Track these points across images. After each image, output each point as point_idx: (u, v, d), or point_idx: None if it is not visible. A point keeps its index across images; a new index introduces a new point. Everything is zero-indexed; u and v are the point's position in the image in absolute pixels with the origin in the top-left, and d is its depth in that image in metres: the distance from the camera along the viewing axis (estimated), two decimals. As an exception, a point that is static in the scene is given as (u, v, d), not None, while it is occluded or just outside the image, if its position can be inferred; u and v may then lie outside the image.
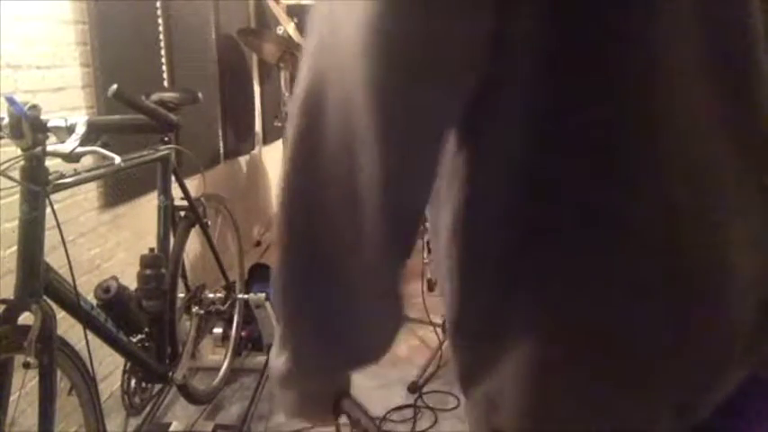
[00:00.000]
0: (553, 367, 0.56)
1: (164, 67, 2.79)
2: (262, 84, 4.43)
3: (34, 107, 1.31)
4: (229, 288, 2.33)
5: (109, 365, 2.17)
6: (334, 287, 0.56)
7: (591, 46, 0.52)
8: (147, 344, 1.77)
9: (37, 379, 1.31)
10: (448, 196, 0.56)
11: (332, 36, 0.48)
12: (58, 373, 1.35)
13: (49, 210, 1.33)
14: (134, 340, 1.71)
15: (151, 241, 1.93)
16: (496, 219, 0.54)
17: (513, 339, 0.56)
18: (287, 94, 4.06)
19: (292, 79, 4.38)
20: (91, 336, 1.50)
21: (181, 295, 2.02)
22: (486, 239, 0.55)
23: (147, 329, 1.77)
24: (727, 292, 0.59)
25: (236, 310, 2.45)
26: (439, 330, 2.65)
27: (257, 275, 3.28)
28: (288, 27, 3.75)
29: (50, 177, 1.35)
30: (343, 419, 0.75)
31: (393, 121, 0.47)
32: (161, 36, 2.77)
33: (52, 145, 1.35)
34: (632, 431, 0.58)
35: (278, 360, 0.64)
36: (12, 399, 1.27)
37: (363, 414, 0.74)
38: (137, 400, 1.77)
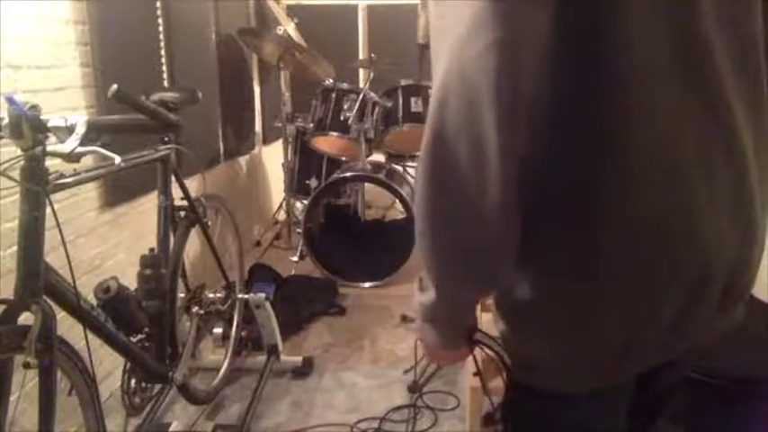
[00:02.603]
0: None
1: (164, 67, 2.79)
2: (262, 84, 4.43)
3: (34, 107, 1.31)
4: (229, 288, 2.33)
5: (109, 365, 2.18)
6: (467, 228, 0.68)
7: (580, 44, 0.65)
8: (147, 344, 1.77)
9: (37, 379, 1.31)
10: None
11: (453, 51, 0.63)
12: (58, 373, 1.35)
13: (49, 210, 1.33)
14: (134, 340, 1.71)
15: (151, 241, 1.93)
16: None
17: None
18: (287, 94, 4.06)
19: (292, 79, 4.39)
20: (91, 336, 1.50)
21: (181, 295, 2.02)
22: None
23: (147, 329, 1.76)
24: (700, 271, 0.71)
25: (236, 310, 2.45)
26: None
27: (257, 275, 3.29)
28: (288, 27, 3.75)
29: (50, 177, 1.34)
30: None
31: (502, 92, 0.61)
32: (161, 36, 2.77)
33: (52, 145, 1.35)
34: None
35: (423, 297, 0.80)
36: (12, 399, 1.27)
37: (494, 342, 0.85)
38: (137, 400, 1.77)
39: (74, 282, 1.40)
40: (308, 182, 3.86)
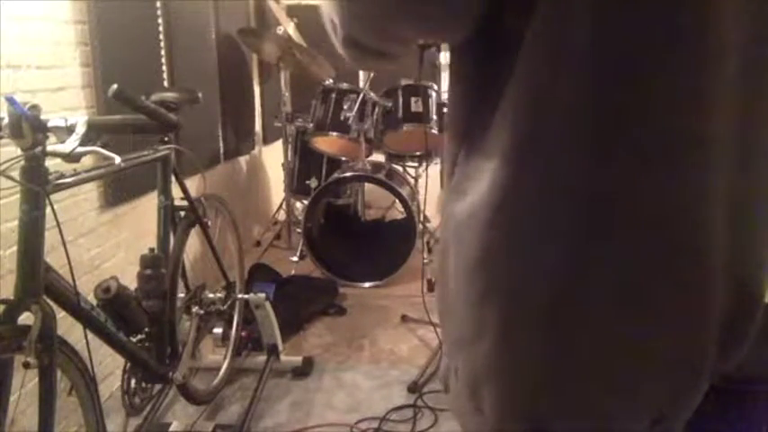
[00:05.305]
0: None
1: (164, 67, 2.79)
2: (262, 84, 4.43)
3: (34, 107, 1.31)
4: (229, 288, 2.33)
5: (109, 365, 2.18)
6: None
7: None
8: (147, 344, 1.77)
9: (37, 379, 1.31)
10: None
11: None
12: (58, 373, 1.35)
13: (49, 210, 1.33)
14: (134, 340, 1.71)
15: (151, 241, 1.93)
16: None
17: None
18: (287, 94, 4.06)
19: (292, 79, 4.39)
20: (91, 336, 1.50)
21: (181, 295, 2.01)
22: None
23: (147, 329, 1.76)
24: (703, 273, 0.62)
25: (236, 310, 2.45)
26: (439, 330, 2.65)
27: (257, 275, 3.29)
28: (288, 27, 3.75)
29: (50, 177, 1.35)
30: None
31: None
32: (161, 36, 2.78)
33: (52, 145, 1.35)
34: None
35: None
36: (12, 399, 1.27)
37: None
38: (137, 400, 1.77)
39: (74, 282, 1.40)
40: (308, 182, 3.86)
